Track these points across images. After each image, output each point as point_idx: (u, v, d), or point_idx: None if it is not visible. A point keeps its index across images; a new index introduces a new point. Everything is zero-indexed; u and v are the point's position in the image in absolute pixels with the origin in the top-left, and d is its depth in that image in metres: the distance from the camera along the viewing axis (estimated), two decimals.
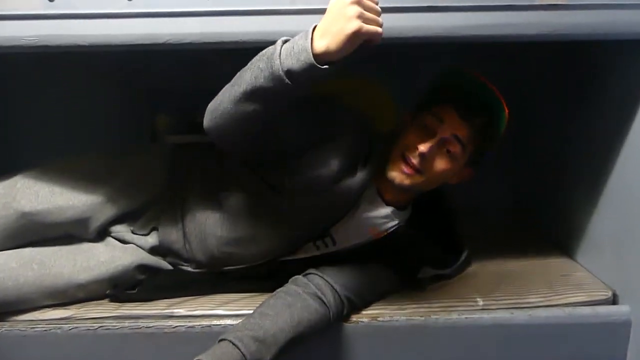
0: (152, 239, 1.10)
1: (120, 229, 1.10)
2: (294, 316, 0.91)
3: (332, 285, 0.99)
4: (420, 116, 1.00)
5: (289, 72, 0.77)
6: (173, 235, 1.08)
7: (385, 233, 1.07)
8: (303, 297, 0.95)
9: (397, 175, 0.98)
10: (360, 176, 1.01)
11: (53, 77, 1.42)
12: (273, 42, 0.83)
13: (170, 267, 1.11)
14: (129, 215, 1.10)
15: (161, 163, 1.14)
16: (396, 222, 1.08)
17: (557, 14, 0.89)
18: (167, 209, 1.10)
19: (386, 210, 1.06)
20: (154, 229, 1.10)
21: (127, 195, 1.09)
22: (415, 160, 0.96)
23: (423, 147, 0.94)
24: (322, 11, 0.82)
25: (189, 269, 1.10)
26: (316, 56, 0.76)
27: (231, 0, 0.83)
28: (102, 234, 1.09)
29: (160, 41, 0.85)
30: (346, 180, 1.00)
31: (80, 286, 1.01)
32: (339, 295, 0.99)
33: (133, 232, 1.10)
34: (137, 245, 1.09)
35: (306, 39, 0.77)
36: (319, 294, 0.97)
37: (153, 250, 1.10)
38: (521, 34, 0.89)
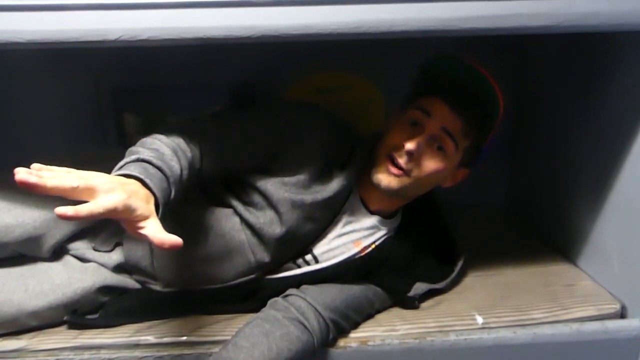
0: (116, 256, 0.99)
1: (80, 246, 0.98)
2: (272, 347, 0.81)
3: (315, 308, 0.89)
4: (406, 112, 0.90)
5: None
6: (139, 251, 0.97)
7: (373, 246, 0.97)
8: (283, 324, 0.85)
9: (384, 177, 0.88)
10: (337, 183, 0.91)
11: (7, 72, 1.29)
12: (242, 37, 0.73)
13: (137, 285, 1.00)
14: (89, 230, 0.98)
15: None
16: (384, 232, 0.98)
17: (562, 3, 0.79)
18: None
19: (371, 220, 0.96)
20: (118, 244, 0.99)
21: None
22: (402, 160, 0.86)
23: (410, 145, 0.85)
24: (290, 2, 0.73)
25: (158, 288, 0.99)
26: None
27: None
28: (58, 253, 0.97)
29: (112, 37, 0.73)
30: (319, 189, 0.90)
31: (33, 314, 0.89)
32: (324, 319, 0.89)
33: (94, 249, 0.98)
34: (100, 264, 0.98)
35: None
36: (301, 318, 0.87)
37: (118, 268, 0.99)
38: (525, 26, 0.79)
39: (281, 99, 1.37)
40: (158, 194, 0.70)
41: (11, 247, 0.91)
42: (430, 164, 0.88)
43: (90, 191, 0.61)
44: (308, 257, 0.96)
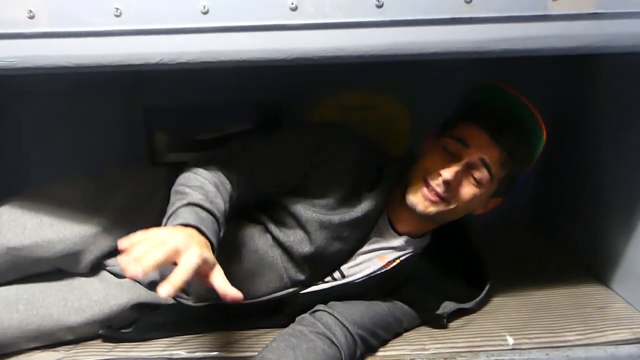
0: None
1: (117, 262, 1.01)
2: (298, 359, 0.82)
3: (342, 323, 0.90)
4: (443, 138, 0.91)
5: None
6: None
7: (398, 261, 0.98)
8: (309, 338, 0.86)
9: (420, 202, 0.89)
10: (365, 204, 0.93)
11: (42, 92, 1.34)
12: (277, 60, 0.76)
13: (169, 301, 1.02)
14: None
15: (159, 187, 1.06)
16: (410, 250, 0.99)
17: (594, 24, 0.80)
18: None
19: (399, 240, 0.98)
20: None
21: (124, 224, 1.00)
22: (439, 189, 0.87)
23: (447, 174, 0.85)
24: (330, 25, 0.75)
25: (190, 302, 1.01)
26: None
27: (230, 15, 0.74)
28: (95, 268, 1.00)
29: (153, 61, 0.76)
30: (347, 210, 0.92)
31: (70, 329, 0.92)
32: (351, 334, 0.89)
33: None
34: (135, 280, 1.00)
35: None
36: (328, 333, 0.87)
37: (152, 284, 1.01)
38: (554, 48, 0.80)
39: (309, 120, 1.39)
40: (213, 240, 0.74)
41: (51, 262, 0.94)
42: (466, 192, 0.89)
43: (175, 252, 0.67)
44: (335, 273, 0.97)
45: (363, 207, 0.92)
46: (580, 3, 0.78)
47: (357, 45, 0.76)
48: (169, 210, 0.78)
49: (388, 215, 0.97)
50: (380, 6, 0.75)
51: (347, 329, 0.90)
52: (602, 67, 1.19)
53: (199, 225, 0.74)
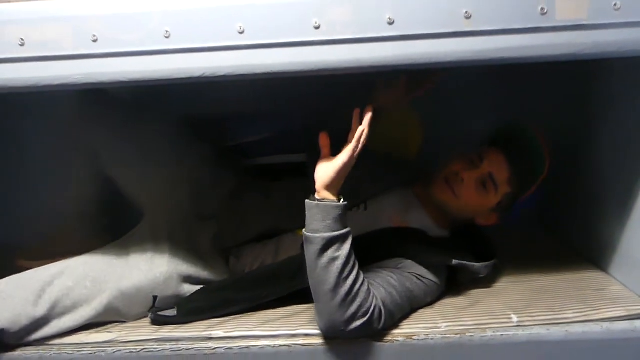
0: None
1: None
2: None
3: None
4: (469, 153, 1.16)
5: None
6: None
7: (406, 225, 1.15)
8: None
9: (438, 191, 1.16)
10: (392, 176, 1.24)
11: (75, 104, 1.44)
12: (303, 72, 0.88)
13: (207, 276, 1.16)
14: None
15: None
16: (425, 226, 1.17)
17: (579, 34, 0.90)
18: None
19: (421, 215, 1.18)
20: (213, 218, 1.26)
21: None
22: (455, 184, 1.13)
23: (465, 176, 1.12)
24: (349, 41, 0.87)
25: (231, 244, 1.22)
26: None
27: (262, 34, 0.86)
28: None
29: (197, 75, 0.88)
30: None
31: (122, 294, 1.07)
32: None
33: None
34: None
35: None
36: None
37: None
38: (545, 55, 0.90)
39: None
40: None
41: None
42: (473, 195, 1.13)
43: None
44: (361, 206, 1.20)
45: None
46: (570, 15, 0.89)
47: (372, 57, 0.87)
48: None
49: (416, 193, 1.21)
50: (391, 23, 0.86)
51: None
52: (598, 70, 1.28)
53: None
